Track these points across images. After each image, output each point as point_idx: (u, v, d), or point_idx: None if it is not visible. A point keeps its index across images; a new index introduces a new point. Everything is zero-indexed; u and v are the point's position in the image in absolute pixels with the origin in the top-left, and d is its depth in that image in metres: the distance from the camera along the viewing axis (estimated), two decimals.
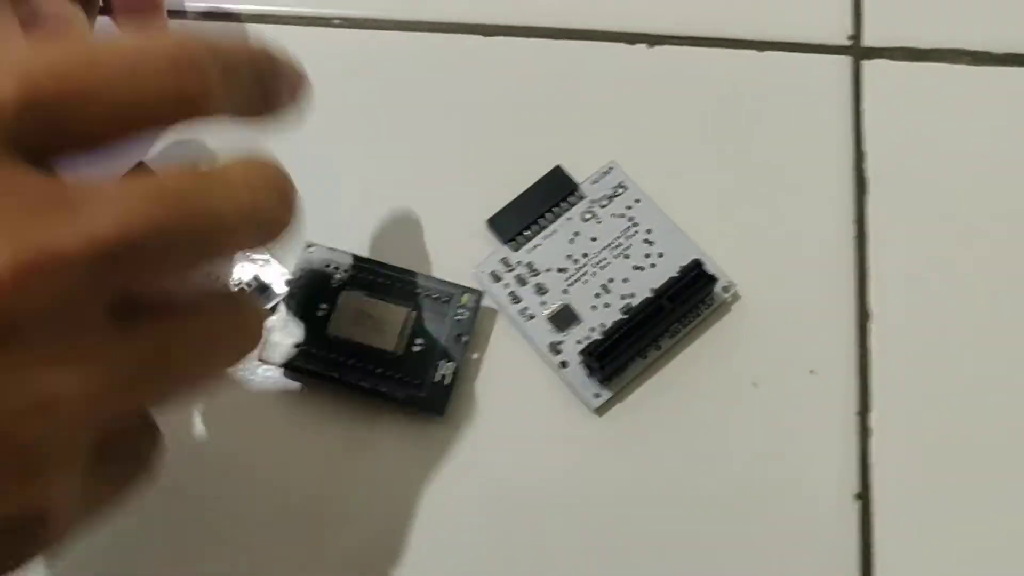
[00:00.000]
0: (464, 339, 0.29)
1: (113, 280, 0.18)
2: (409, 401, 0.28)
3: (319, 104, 0.33)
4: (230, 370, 0.21)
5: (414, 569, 0.27)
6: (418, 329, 0.29)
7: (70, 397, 0.17)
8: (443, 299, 0.29)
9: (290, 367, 0.29)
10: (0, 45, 0.19)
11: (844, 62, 0.33)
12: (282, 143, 0.32)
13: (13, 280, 0.16)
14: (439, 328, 0.29)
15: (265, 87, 0.22)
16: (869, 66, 0.33)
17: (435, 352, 0.29)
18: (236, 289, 0.21)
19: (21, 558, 0.18)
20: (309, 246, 0.30)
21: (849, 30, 0.34)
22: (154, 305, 0.19)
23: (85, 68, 0.18)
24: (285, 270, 0.31)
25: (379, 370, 0.29)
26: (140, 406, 0.20)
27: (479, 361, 0.30)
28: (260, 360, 0.29)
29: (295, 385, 0.29)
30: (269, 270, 0.31)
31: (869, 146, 0.32)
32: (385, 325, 0.29)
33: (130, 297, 0.18)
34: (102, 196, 0.17)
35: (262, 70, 0.22)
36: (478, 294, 0.29)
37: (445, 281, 0.30)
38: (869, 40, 0.33)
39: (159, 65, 0.19)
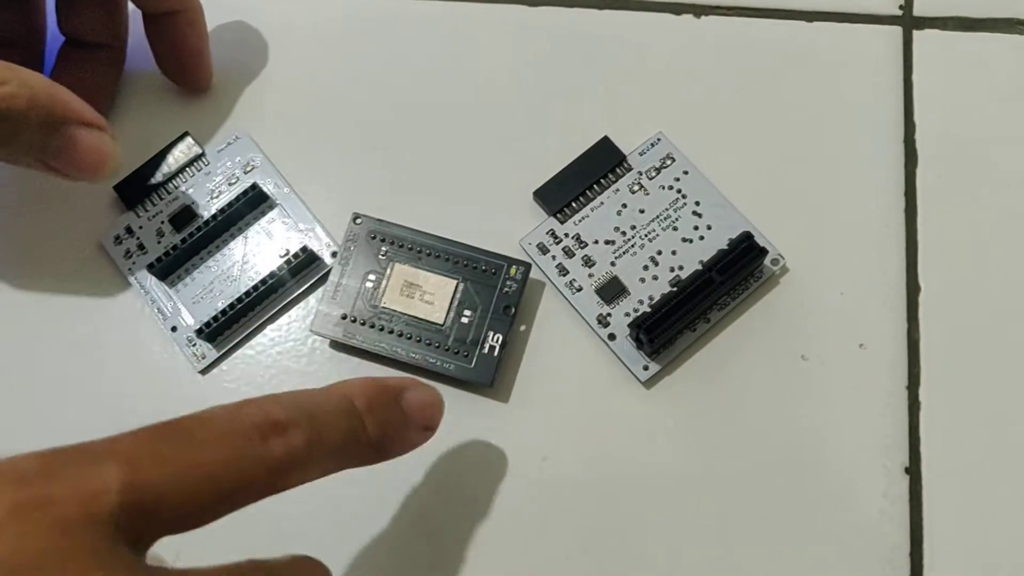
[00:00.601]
0: (512, 311, 0.29)
1: None
2: (458, 372, 0.28)
3: (364, 75, 0.33)
4: None
5: (466, 537, 0.28)
6: (466, 300, 0.29)
7: None
8: (491, 271, 0.29)
9: (338, 343, 0.29)
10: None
11: (894, 32, 0.33)
12: (330, 117, 0.33)
13: None
14: (487, 300, 0.29)
15: (374, 438, 0.23)
16: (920, 36, 0.33)
17: (483, 323, 0.29)
18: None
19: None
20: (357, 218, 0.30)
21: None
22: None
23: (181, 448, 0.19)
24: (332, 241, 0.31)
25: (427, 342, 0.29)
26: None
27: (527, 333, 0.30)
28: (311, 331, 0.29)
29: (344, 357, 0.30)
30: (317, 241, 0.31)
31: (919, 117, 0.31)
32: (433, 297, 0.29)
33: None
34: None
35: (353, 424, 0.23)
36: (526, 266, 0.29)
37: (493, 253, 0.30)
38: (920, 10, 0.33)
39: (248, 435, 0.20)
